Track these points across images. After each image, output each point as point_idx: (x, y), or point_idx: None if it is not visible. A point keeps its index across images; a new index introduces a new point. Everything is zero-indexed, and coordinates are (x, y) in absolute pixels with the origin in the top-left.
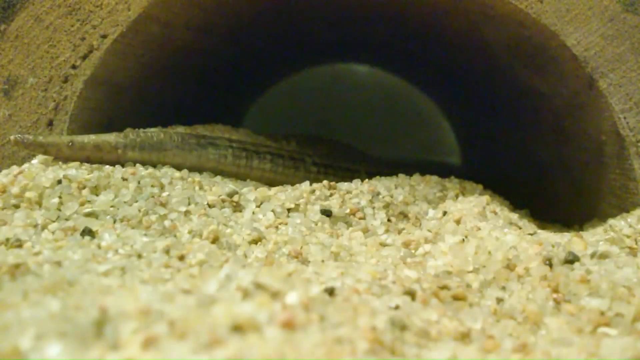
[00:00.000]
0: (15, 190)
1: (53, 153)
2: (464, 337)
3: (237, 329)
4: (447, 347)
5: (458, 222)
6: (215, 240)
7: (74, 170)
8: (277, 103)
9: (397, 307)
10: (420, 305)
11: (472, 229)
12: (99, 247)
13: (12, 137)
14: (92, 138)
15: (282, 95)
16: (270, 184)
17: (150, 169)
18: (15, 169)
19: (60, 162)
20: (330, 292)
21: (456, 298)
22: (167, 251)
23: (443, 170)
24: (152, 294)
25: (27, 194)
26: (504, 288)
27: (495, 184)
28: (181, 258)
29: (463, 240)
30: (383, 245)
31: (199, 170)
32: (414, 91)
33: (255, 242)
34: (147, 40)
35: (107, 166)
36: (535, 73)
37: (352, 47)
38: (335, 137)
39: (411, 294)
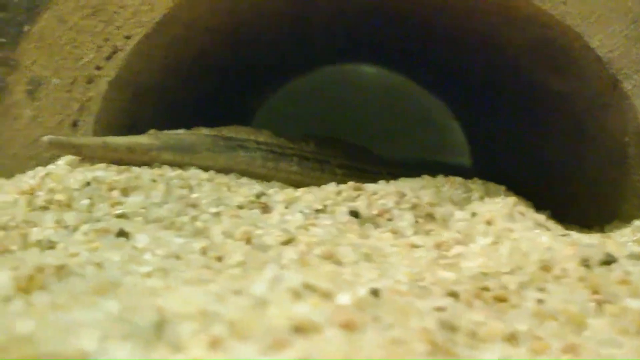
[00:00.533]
0: (43, 191)
1: (87, 154)
2: (512, 338)
3: (298, 330)
4: (497, 348)
5: (489, 223)
6: (247, 242)
7: (102, 171)
8: (287, 103)
9: (442, 309)
10: (464, 307)
11: (503, 230)
12: (135, 248)
13: (45, 138)
14: (125, 140)
15: (291, 96)
16: (297, 186)
17: (178, 171)
18: (41, 170)
19: (87, 163)
20: (375, 293)
21: (498, 299)
22: (204, 252)
23: (457, 172)
24: (204, 295)
25: (56, 196)
26: (542, 289)
27: (514, 186)
28: (219, 259)
29: (495, 241)
30: (414, 246)
31: (228, 171)
32: (423, 93)
33: (286, 243)
34: (170, 42)
35: (135, 167)
36: (556, 74)
37: (363, 48)
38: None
39: (454, 296)
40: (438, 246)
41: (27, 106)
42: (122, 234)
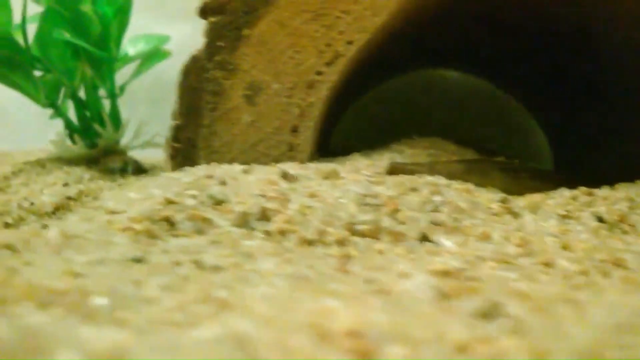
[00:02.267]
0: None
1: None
2: None
3: None
4: None
5: None
6: (523, 247)
7: (369, 181)
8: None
9: None
10: None
11: None
12: (450, 252)
13: (389, 164)
14: (447, 166)
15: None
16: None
17: (414, 177)
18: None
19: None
20: None
21: None
22: (523, 256)
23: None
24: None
25: (338, 206)
26: None
27: None
28: (547, 265)
29: None
30: None
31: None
32: (507, 97)
33: (564, 248)
34: (369, 47)
35: (387, 177)
36: None
37: (465, 54)
38: None
39: None
40: None
41: (245, 111)
42: (424, 238)
